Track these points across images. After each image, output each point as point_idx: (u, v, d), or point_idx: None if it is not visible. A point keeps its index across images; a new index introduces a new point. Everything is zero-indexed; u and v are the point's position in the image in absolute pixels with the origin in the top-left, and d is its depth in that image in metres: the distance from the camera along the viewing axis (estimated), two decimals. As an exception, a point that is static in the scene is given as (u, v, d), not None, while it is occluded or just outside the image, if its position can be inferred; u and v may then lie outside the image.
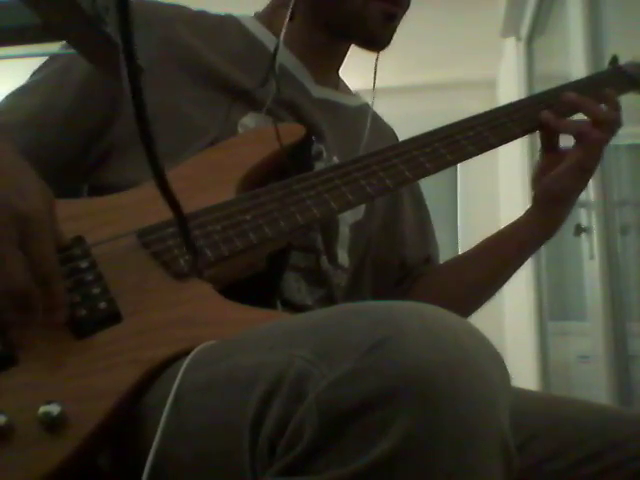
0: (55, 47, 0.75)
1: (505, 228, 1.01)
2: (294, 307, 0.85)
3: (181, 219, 0.49)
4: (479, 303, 1.03)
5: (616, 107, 0.95)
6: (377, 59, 0.97)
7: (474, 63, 3.99)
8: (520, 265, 1.02)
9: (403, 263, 1.05)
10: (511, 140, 0.94)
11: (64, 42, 0.49)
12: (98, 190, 0.84)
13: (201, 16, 0.97)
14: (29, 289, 0.60)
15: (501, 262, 1.01)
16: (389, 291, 1.04)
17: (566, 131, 0.94)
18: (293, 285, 0.86)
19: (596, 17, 2.24)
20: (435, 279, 1.05)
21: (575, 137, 0.93)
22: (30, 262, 0.61)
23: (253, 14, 1.00)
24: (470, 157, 0.90)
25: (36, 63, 0.93)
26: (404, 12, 0.95)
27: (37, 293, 0.61)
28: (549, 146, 0.96)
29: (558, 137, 0.96)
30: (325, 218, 0.83)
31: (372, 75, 0.97)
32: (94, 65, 0.47)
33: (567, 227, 2.32)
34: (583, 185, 0.96)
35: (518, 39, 3.36)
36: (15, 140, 0.80)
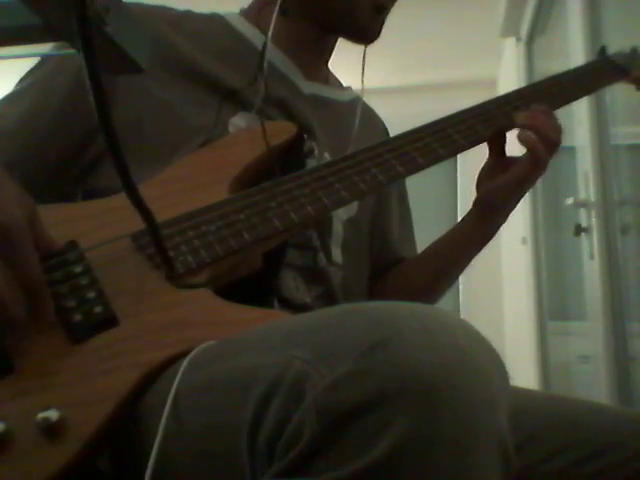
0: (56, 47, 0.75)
1: (447, 232, 1.02)
2: (292, 305, 0.85)
3: (154, 228, 0.49)
4: (434, 297, 1.06)
5: (557, 128, 0.92)
6: (364, 53, 0.97)
7: (474, 63, 3.99)
8: (464, 266, 1.03)
9: (384, 257, 1.06)
10: (502, 132, 0.94)
11: (59, 43, 0.49)
12: (91, 196, 0.83)
13: (186, 16, 0.96)
14: (12, 299, 0.60)
15: (443, 265, 1.03)
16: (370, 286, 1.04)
17: (524, 142, 0.91)
18: (290, 283, 0.86)
19: (596, 17, 2.24)
20: (398, 276, 1.07)
21: (529, 151, 0.90)
22: (13, 272, 0.61)
23: (239, 11, 1.00)
24: (462, 151, 0.90)
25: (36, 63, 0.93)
26: (393, 4, 0.95)
27: (21, 301, 0.61)
28: (496, 150, 0.95)
29: (505, 142, 0.95)
30: (319, 216, 0.83)
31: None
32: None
33: (567, 227, 2.32)
34: (519, 198, 0.95)
35: (518, 39, 3.36)
36: (3, 149, 0.80)
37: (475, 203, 0.97)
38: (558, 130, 0.92)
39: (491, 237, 0.99)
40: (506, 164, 0.93)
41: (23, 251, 0.62)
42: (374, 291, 1.03)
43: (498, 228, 0.98)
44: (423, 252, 1.07)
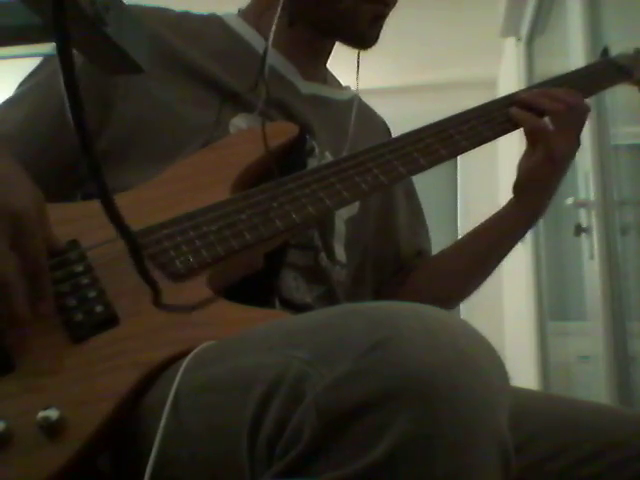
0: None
1: (489, 218, 1.02)
2: (293, 306, 0.85)
3: (134, 245, 0.49)
4: (468, 291, 1.05)
5: (559, 99, 0.95)
6: (359, 55, 0.98)
7: (474, 63, 3.99)
8: (505, 254, 1.02)
9: (397, 255, 1.06)
10: (505, 133, 0.94)
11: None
12: (90, 198, 0.84)
13: (185, 17, 0.97)
14: (16, 281, 0.61)
15: (484, 251, 1.03)
16: (385, 285, 1.04)
17: (523, 127, 0.94)
18: (291, 283, 0.86)
19: (596, 17, 2.24)
20: (426, 271, 1.06)
21: (527, 135, 0.93)
22: (20, 257, 0.62)
23: (237, 11, 1.00)
24: (464, 152, 0.90)
25: (36, 63, 0.92)
26: (391, 9, 0.95)
27: (24, 286, 0.61)
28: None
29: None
30: (321, 216, 0.83)
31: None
32: (93, 65, 0.47)
33: (567, 227, 2.32)
34: (552, 178, 0.95)
35: (518, 39, 3.36)
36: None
37: (513, 187, 0.98)
38: (572, 94, 0.94)
39: (527, 225, 0.99)
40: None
41: (33, 238, 0.63)
42: (391, 293, 1.03)
43: (536, 215, 0.99)
44: (452, 245, 1.07)
